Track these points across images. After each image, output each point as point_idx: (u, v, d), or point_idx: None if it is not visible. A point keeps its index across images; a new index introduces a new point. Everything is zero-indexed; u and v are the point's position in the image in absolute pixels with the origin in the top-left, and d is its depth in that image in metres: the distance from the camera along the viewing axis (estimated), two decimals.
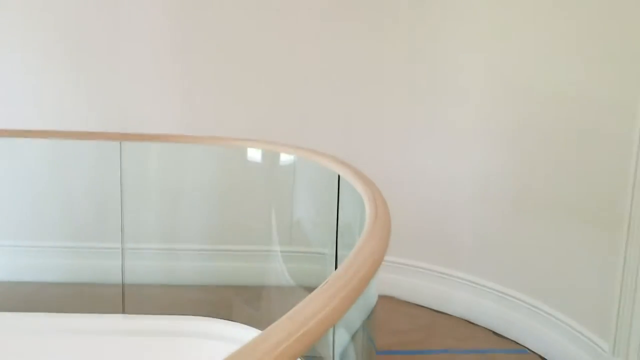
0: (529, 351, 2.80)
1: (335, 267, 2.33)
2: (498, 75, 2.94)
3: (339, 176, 2.20)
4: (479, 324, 3.06)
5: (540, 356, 2.75)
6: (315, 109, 3.39)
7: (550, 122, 2.69)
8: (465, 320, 3.10)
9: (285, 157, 2.85)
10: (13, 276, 3.57)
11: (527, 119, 2.80)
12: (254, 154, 2.93)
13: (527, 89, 2.79)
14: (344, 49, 3.35)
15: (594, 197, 2.51)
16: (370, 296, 1.55)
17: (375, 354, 2.51)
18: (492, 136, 2.98)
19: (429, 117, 3.23)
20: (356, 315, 1.58)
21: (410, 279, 3.31)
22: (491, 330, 2.99)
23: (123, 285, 3.13)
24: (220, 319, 2.85)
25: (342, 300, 0.93)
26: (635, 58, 2.21)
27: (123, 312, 3.03)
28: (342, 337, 1.71)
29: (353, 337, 1.84)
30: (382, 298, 3.31)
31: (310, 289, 2.91)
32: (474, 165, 3.06)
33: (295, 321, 0.84)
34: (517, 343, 2.87)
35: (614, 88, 2.38)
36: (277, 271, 3.14)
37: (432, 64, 3.20)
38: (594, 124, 2.47)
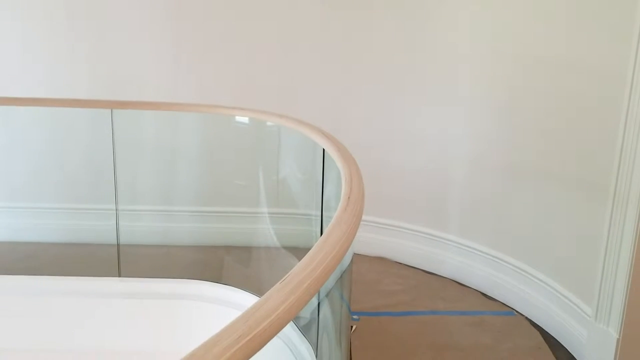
0: (516, 313, 2.85)
1: (321, 229, 2.36)
2: (489, 41, 2.87)
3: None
4: (468, 285, 3.11)
5: (528, 319, 2.79)
6: (306, 73, 3.34)
7: (541, 88, 2.66)
8: (455, 282, 3.15)
9: (272, 123, 2.84)
10: (12, 236, 3.64)
11: (519, 87, 2.76)
12: (242, 121, 2.92)
13: (517, 55, 2.74)
14: (334, 15, 3.27)
15: (582, 165, 2.50)
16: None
17: (350, 313, 2.58)
18: (485, 102, 2.94)
19: (421, 80, 3.18)
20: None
21: (402, 241, 3.34)
22: (480, 292, 3.04)
23: (118, 246, 3.19)
24: (213, 281, 2.91)
25: (298, 298, 0.94)
26: (625, 23, 2.14)
27: (118, 273, 3.10)
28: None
29: (327, 296, 1.89)
30: (374, 259, 3.37)
31: (296, 249, 2.96)
32: (466, 130, 3.04)
33: (248, 324, 0.85)
34: (506, 305, 2.92)
35: (603, 54, 2.33)
36: (265, 232, 3.19)
37: (423, 24, 3.13)
38: (583, 90, 2.43)
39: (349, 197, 1.42)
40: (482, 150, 2.98)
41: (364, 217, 1.44)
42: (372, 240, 3.31)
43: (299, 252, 2.68)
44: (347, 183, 1.51)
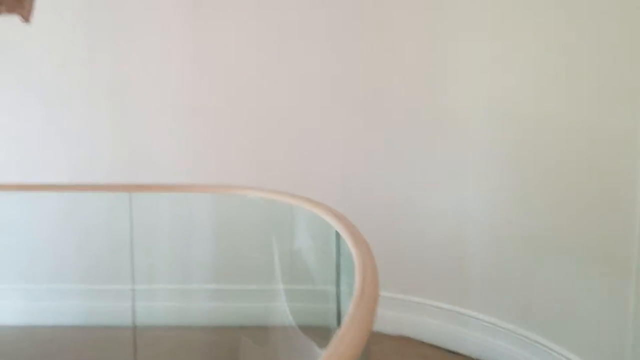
0: None
1: (338, 305, 2.32)
2: (499, 107, 2.90)
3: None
4: None
5: None
6: (318, 149, 3.40)
7: (558, 157, 2.64)
8: None
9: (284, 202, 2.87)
10: (31, 320, 3.63)
11: (535, 157, 2.75)
12: (255, 200, 2.95)
13: (528, 120, 2.75)
14: (344, 76, 3.35)
15: (601, 235, 2.44)
16: None
17: None
18: (501, 173, 2.93)
19: (434, 150, 3.19)
20: None
21: (423, 318, 3.25)
22: None
23: (134, 329, 3.16)
24: None
25: None
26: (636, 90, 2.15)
27: (134, 358, 3.06)
28: None
29: None
30: (397, 339, 3.27)
31: (313, 329, 2.88)
32: (483, 201, 3.01)
33: None
34: None
35: (618, 120, 2.33)
36: (281, 310, 3.14)
37: (432, 94, 3.18)
38: (597, 157, 2.41)
39: (362, 290, 1.39)
40: (500, 221, 2.94)
41: (382, 293, 1.41)
42: (391, 317, 3.24)
43: (316, 331, 2.63)
44: (360, 273, 1.48)
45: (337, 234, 2.20)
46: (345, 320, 1.25)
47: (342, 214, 2.18)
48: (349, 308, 1.31)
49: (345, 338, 1.16)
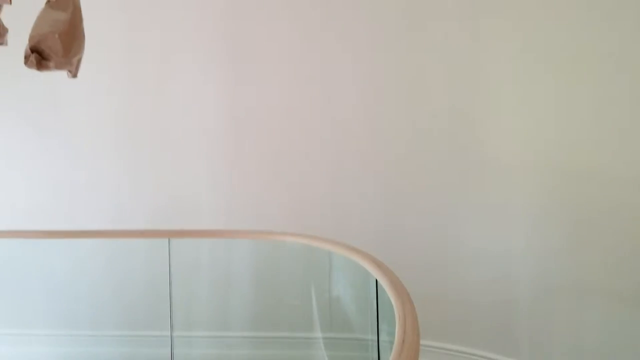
0: None
1: (377, 354, 2.26)
2: (551, 151, 2.86)
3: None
4: None
5: None
6: (359, 194, 3.39)
7: (606, 203, 2.58)
8: None
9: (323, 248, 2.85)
10: None
11: (579, 201, 2.69)
12: (294, 246, 2.94)
13: (581, 167, 2.70)
14: (384, 117, 3.36)
15: None
16: None
17: None
18: (547, 218, 2.87)
19: (476, 196, 3.15)
20: None
21: None
22: None
23: None
24: None
25: None
26: None
27: None
28: None
29: None
30: None
31: None
32: (529, 248, 2.94)
33: None
34: None
35: None
36: (320, 358, 3.08)
37: (476, 134, 3.15)
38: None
39: (403, 341, 1.36)
40: (547, 267, 2.86)
41: (424, 343, 1.38)
42: None
43: None
44: (400, 324, 1.45)
45: (377, 282, 2.18)
46: None
47: (381, 261, 2.16)
48: (390, 359, 1.28)
49: None
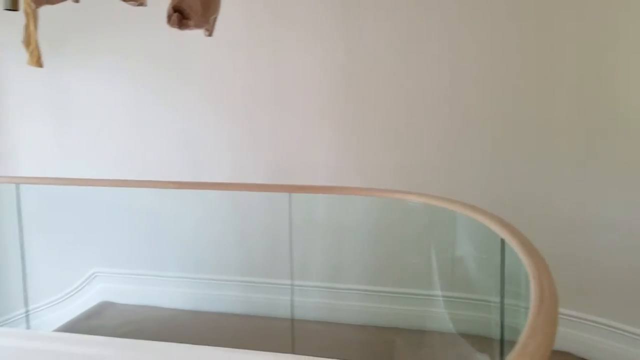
0: None
1: (501, 316, 2.25)
2: None
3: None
4: None
5: None
6: (479, 156, 3.31)
7: None
8: None
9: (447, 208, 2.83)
10: (196, 306, 3.98)
11: None
12: (415, 205, 2.95)
13: None
14: (508, 77, 3.24)
15: None
16: None
17: None
18: None
19: (607, 160, 2.98)
20: None
21: (589, 335, 3.05)
22: None
23: (292, 322, 3.32)
24: None
25: None
26: None
27: (292, 349, 3.21)
28: None
29: None
30: (557, 353, 3.10)
31: (472, 337, 2.82)
32: None
33: None
34: None
35: None
36: (439, 316, 3.11)
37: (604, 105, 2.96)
38: None
39: (541, 299, 1.35)
40: None
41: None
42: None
43: (476, 339, 2.57)
44: (536, 282, 1.44)
45: (502, 243, 2.15)
46: (525, 329, 1.23)
47: (508, 222, 2.12)
48: (529, 317, 1.28)
49: (529, 346, 1.14)
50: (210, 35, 2.43)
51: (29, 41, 2.28)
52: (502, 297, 2.25)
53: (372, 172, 3.51)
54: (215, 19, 2.40)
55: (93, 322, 3.84)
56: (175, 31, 2.33)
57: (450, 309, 3.04)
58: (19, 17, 2.24)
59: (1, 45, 4.14)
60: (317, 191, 3.10)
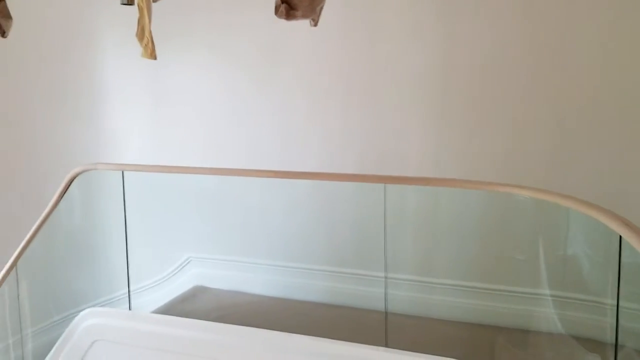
0: None
1: (616, 319, 2.14)
2: None
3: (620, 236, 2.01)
4: None
5: None
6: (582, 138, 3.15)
7: None
8: None
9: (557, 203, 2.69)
10: (286, 294, 4.03)
11: None
12: (522, 199, 2.83)
13: None
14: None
15: None
16: None
17: None
18: None
19: None
20: None
21: None
22: None
23: (386, 314, 3.29)
24: None
25: None
26: None
27: (385, 343, 3.18)
28: None
29: None
30: None
31: (584, 340, 2.69)
32: None
33: None
34: None
35: None
36: (544, 316, 2.98)
37: None
38: None
39: None
40: None
41: None
42: None
43: (588, 343, 2.45)
44: None
45: (621, 240, 2.02)
46: None
47: (627, 219, 1.99)
48: None
49: None
50: (315, 25, 2.42)
51: (143, 34, 2.35)
52: (618, 298, 2.13)
53: (465, 166, 3.42)
54: (321, 9, 2.39)
55: (188, 306, 3.98)
56: (274, 24, 2.33)
57: (560, 310, 2.90)
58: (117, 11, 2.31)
59: (103, 38, 4.34)
60: (414, 182, 3.03)
